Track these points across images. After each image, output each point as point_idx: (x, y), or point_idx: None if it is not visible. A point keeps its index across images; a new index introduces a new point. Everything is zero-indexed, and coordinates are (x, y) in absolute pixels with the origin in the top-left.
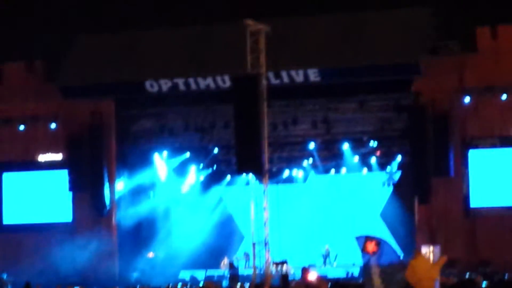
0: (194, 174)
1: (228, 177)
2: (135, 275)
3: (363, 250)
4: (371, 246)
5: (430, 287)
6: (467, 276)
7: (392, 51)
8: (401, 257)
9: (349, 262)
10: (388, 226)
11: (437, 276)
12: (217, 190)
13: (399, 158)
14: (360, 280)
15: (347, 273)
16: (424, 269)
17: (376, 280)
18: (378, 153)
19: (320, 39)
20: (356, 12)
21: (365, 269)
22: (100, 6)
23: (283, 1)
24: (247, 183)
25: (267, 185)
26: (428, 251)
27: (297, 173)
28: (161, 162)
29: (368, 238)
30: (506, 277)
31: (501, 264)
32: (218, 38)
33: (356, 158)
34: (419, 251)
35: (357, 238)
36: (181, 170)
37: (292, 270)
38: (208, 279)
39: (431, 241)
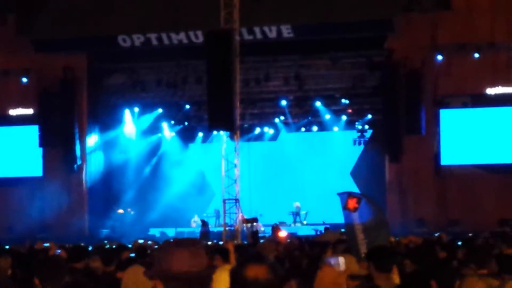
0: (166, 131)
1: (200, 134)
2: (104, 231)
3: (345, 207)
4: (352, 203)
5: None
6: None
7: (365, 7)
8: (383, 214)
9: (319, 221)
10: (358, 185)
11: (344, 284)
12: (189, 146)
13: (370, 116)
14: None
15: (316, 231)
16: (332, 277)
17: (360, 236)
18: (349, 110)
19: None
20: None
21: (348, 227)
22: None
23: None
24: (221, 141)
25: (238, 142)
26: (335, 262)
27: (268, 130)
28: (132, 120)
29: (350, 195)
30: (475, 237)
31: (470, 222)
32: None
33: (328, 116)
34: (325, 263)
35: (339, 195)
36: (152, 126)
37: (263, 228)
38: (177, 236)
39: (401, 200)
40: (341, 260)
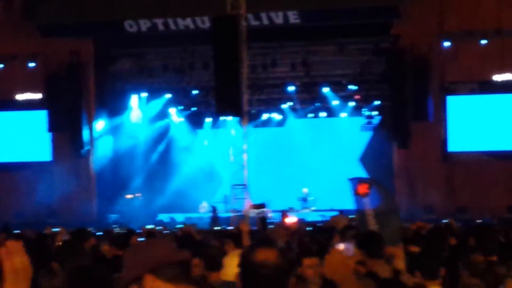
0: (174, 116)
1: (208, 119)
2: (113, 216)
3: (355, 192)
4: (362, 188)
5: (348, 274)
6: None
7: None
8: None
9: (327, 207)
10: (366, 171)
11: (353, 266)
12: (198, 132)
13: (378, 102)
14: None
15: (323, 217)
16: (340, 260)
17: (371, 222)
18: (357, 97)
19: None
20: None
21: (359, 213)
22: None
23: None
24: (229, 127)
25: (246, 127)
26: (342, 247)
27: (276, 116)
28: (138, 105)
29: (360, 181)
30: (485, 224)
31: (477, 209)
32: None
33: (335, 102)
34: (332, 247)
35: (350, 180)
36: (160, 112)
37: (271, 214)
38: (187, 222)
39: (409, 186)
40: (351, 246)
